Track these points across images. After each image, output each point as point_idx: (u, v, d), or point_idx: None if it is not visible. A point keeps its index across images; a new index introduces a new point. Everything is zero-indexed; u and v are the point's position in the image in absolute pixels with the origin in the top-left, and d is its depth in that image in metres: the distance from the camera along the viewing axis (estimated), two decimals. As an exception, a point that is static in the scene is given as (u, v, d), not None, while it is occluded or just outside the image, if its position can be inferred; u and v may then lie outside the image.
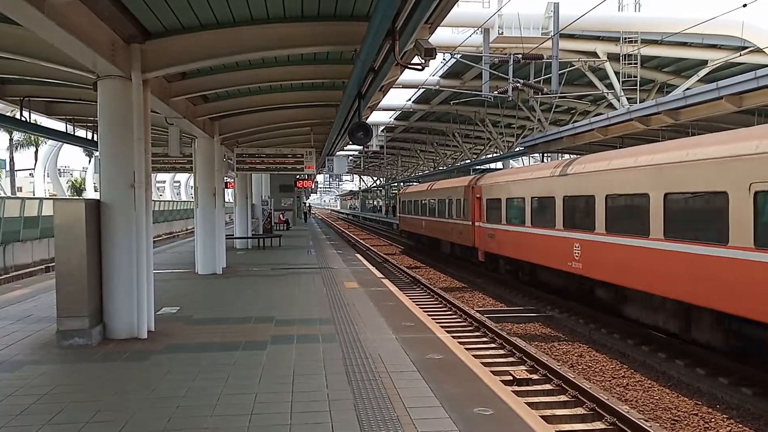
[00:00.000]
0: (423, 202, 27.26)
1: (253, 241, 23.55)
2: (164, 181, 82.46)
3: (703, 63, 21.67)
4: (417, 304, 11.71)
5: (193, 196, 15.71)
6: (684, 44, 21.26)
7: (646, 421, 6.69)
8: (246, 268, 16.22)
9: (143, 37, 8.06)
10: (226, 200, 28.89)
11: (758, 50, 19.78)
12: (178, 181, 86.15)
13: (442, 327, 9.16)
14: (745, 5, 13.70)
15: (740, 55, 19.62)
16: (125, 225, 7.86)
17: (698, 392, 8.35)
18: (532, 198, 14.51)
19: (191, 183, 38.35)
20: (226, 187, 27.79)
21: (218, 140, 15.49)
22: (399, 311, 9.92)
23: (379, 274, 15.12)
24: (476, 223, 19.06)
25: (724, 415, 7.48)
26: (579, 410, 7.31)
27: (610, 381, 8.93)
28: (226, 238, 17.85)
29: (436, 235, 25.08)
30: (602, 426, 6.80)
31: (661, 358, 9.64)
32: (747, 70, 14.64)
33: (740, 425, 7.17)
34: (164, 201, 55.27)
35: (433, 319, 10.06)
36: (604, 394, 7.54)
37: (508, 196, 16.21)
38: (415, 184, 51.49)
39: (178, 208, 54.51)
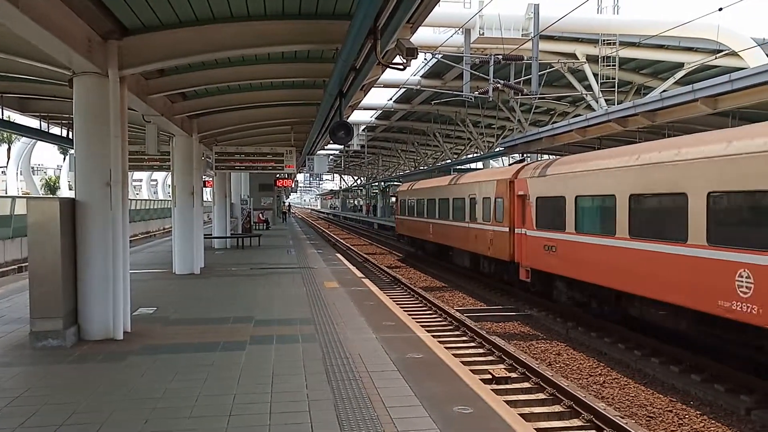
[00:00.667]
0: (431, 201, 22.70)
1: (232, 241, 23.38)
2: (141, 180, 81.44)
3: (680, 65, 22.12)
4: (397, 304, 11.77)
5: (170, 194, 15.55)
6: (661, 47, 21.66)
7: (623, 418, 6.82)
8: (225, 268, 16.11)
9: (120, 33, 7.97)
10: (205, 199, 28.65)
11: (733, 53, 20.28)
12: (155, 180, 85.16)
13: (422, 326, 9.21)
14: (720, 9, 13.99)
15: (716, 58, 20.06)
16: (101, 224, 7.76)
17: (673, 389, 8.52)
18: (631, 196, 9.87)
19: (169, 182, 38.01)
20: (205, 186, 27.57)
21: (197, 138, 15.35)
22: (379, 311, 9.94)
23: (359, 274, 15.12)
24: (518, 230, 14.41)
25: (698, 411, 7.65)
26: (557, 408, 7.41)
27: (587, 379, 9.07)
28: (205, 238, 17.70)
29: (448, 243, 20.63)
30: (579, 423, 6.91)
31: (636, 356, 9.82)
32: (722, 72, 14.93)
33: (713, 421, 7.34)
34: (141, 200, 54.58)
35: (413, 318, 10.11)
36: (581, 392, 7.67)
37: (581, 193, 11.54)
38: (399, 181, 51.40)
39: (155, 207, 53.88)
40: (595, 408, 6.95)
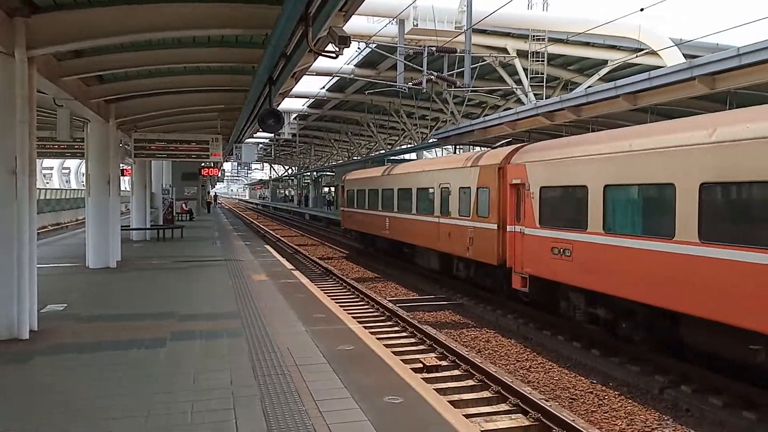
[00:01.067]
0: (387, 191, 20.10)
1: (152, 233, 22.66)
2: (52, 168, 77.12)
3: (604, 63, 23.19)
4: (329, 296, 11.76)
5: (84, 183, 14.83)
6: (587, 44, 22.63)
7: (547, 401, 7.13)
8: (144, 261, 15.56)
9: (29, 10, 7.49)
10: (123, 189, 27.46)
11: (653, 52, 21.45)
12: (68, 168, 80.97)
13: (354, 318, 9.29)
14: (642, 9, 14.73)
15: (636, 57, 21.16)
16: (4, 215, 7.31)
17: (593, 371, 9.01)
18: (704, 185, 7.37)
19: (83, 170, 36.16)
20: (123, 175, 26.45)
21: (114, 124, 14.70)
22: (310, 303, 9.91)
23: (289, 266, 15.02)
24: (511, 227, 11.93)
25: (616, 392, 8.12)
26: (485, 393, 7.67)
27: (514, 364, 9.44)
28: (122, 230, 17.05)
29: (409, 240, 18.07)
30: (506, 407, 7.17)
31: (560, 341, 10.31)
32: (642, 70, 15.76)
33: (630, 400, 7.81)
34: (51, 189, 51.67)
35: (344, 310, 10.16)
36: (508, 377, 7.97)
37: (614, 182, 8.98)
38: (332, 171, 51.05)
39: (67, 196, 51.15)
40: (521, 392, 7.24)
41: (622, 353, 9.29)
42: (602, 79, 22.77)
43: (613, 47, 22.64)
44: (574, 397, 7.97)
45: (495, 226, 12.57)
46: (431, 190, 16.28)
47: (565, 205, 10.37)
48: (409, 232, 18.04)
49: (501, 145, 13.96)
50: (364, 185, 23.46)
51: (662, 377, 8.25)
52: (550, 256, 10.47)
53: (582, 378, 8.71)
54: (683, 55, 21.14)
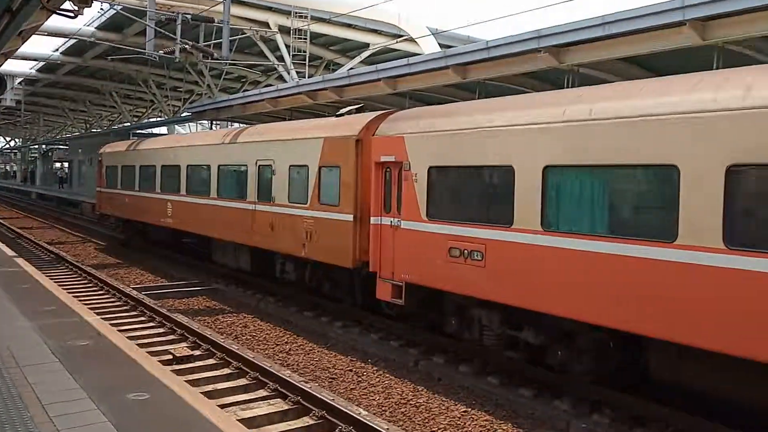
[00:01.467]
0: (170, 168, 16.71)
1: None
2: None
3: (366, 46, 24.57)
4: (61, 286, 10.86)
5: None
6: (350, 26, 23.72)
7: (307, 383, 7.40)
8: None
9: None
10: None
11: (411, 39, 23.39)
12: None
13: (91, 309, 8.75)
14: (399, -5, 15.94)
15: (396, 42, 22.88)
16: None
17: (353, 349, 9.58)
18: (733, 169, 5.56)
19: None
20: None
21: None
22: (36, 294, 9.07)
23: (10, 252, 13.56)
24: (376, 219, 9.62)
25: (375, 367, 8.76)
26: (242, 381, 7.66)
27: (274, 348, 9.60)
28: None
29: (208, 232, 14.86)
30: (265, 393, 7.26)
31: (323, 322, 10.77)
32: (402, 56, 17.10)
33: (387, 374, 8.50)
34: None
35: (80, 301, 9.48)
36: (267, 362, 8.08)
37: (559, 162, 6.99)
38: (65, 144, 45.85)
39: None
40: (280, 376, 7.39)
41: (380, 330, 10.01)
42: (364, 62, 24.05)
43: (374, 31, 24.04)
44: (334, 376, 8.39)
45: (350, 218, 10.10)
46: (243, 169, 13.26)
47: (473, 193, 8.22)
48: (205, 222, 14.75)
49: (350, 112, 11.46)
50: (133, 160, 19.49)
51: (416, 350, 9.09)
52: (445, 260, 8.24)
53: (342, 356, 9.21)
54: (439, 44, 23.40)
